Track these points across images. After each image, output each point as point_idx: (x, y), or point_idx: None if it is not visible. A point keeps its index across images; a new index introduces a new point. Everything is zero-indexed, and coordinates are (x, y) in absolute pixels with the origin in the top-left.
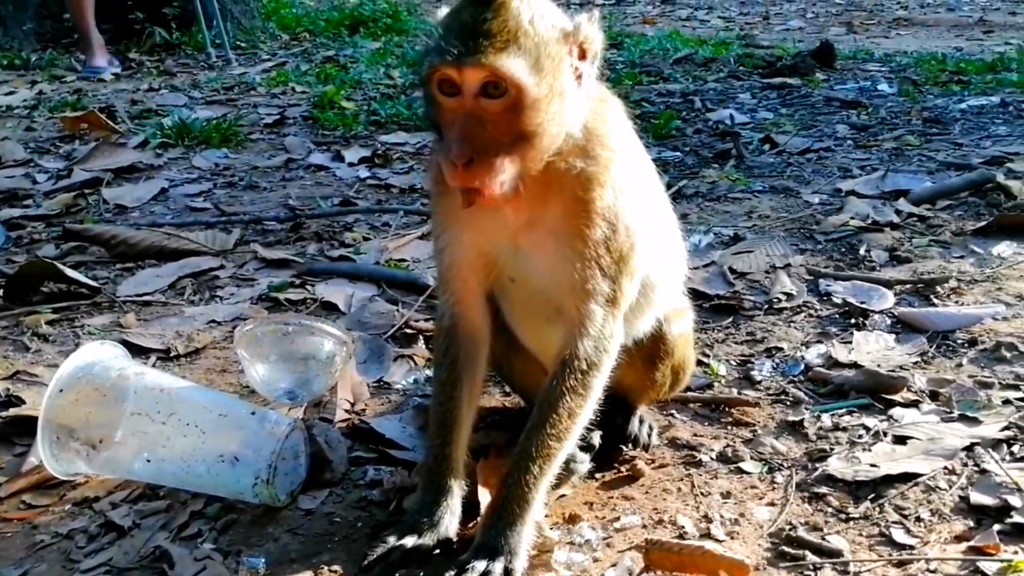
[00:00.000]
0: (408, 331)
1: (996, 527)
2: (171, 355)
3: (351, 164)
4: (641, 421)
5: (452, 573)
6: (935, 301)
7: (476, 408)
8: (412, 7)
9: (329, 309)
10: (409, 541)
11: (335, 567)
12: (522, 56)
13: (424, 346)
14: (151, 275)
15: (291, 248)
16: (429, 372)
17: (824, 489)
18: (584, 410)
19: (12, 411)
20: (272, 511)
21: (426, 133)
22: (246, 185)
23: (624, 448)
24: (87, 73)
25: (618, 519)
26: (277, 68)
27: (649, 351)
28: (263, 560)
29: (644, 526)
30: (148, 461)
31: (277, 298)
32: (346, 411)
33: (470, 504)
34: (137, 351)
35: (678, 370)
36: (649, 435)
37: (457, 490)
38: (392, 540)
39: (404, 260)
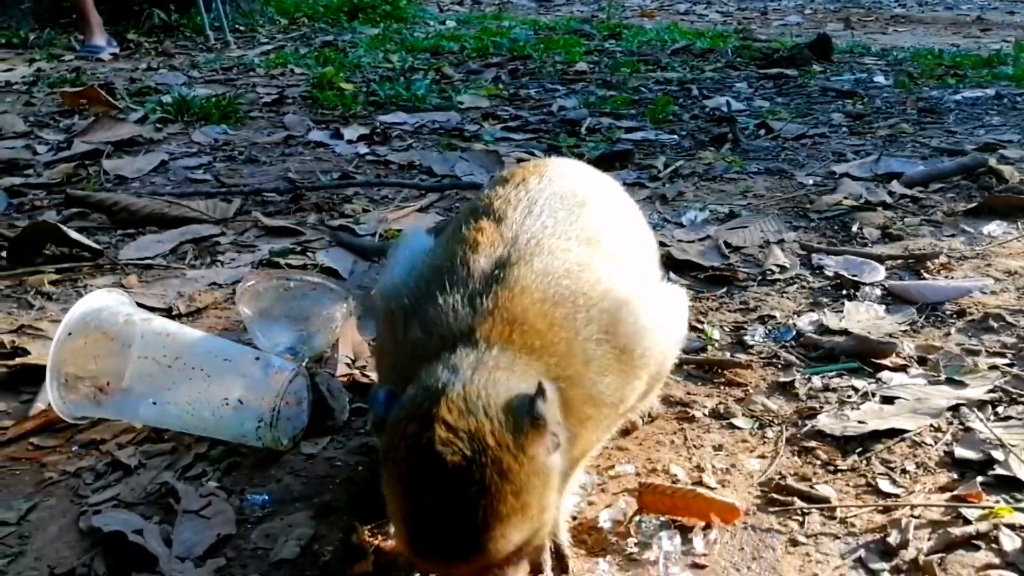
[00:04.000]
0: None
1: (979, 479)
2: (173, 314)
3: (350, 141)
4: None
5: None
6: (925, 275)
7: None
8: None
9: (329, 274)
10: None
11: (337, 506)
12: (509, 524)
13: None
14: (152, 240)
15: (291, 218)
16: None
17: (813, 443)
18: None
19: (18, 360)
20: (275, 455)
21: (424, 113)
22: (246, 159)
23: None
24: (85, 52)
25: (612, 467)
26: (276, 51)
27: None
28: (266, 498)
29: (638, 474)
30: (154, 404)
31: (278, 263)
32: (347, 366)
33: None
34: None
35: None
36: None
37: None
38: None
39: (403, 231)
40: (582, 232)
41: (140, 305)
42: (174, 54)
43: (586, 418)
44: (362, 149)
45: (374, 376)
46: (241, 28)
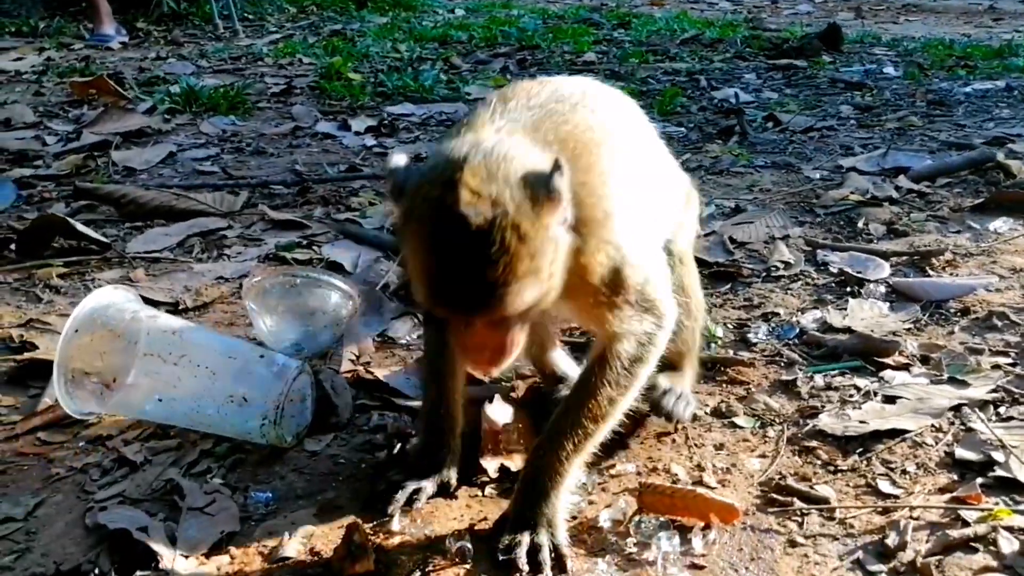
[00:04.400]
0: None
1: (979, 480)
2: (180, 308)
3: (357, 133)
4: (679, 397)
5: (503, 547)
6: (930, 272)
7: None
8: None
9: (335, 269)
10: (411, 482)
11: (339, 503)
12: (524, 282)
13: None
14: (160, 233)
15: (298, 211)
16: None
17: (814, 443)
18: (626, 398)
19: (26, 355)
20: (279, 452)
21: (432, 104)
22: (253, 151)
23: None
24: (95, 41)
25: (613, 466)
26: (284, 40)
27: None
28: (270, 495)
29: (638, 473)
30: (160, 401)
31: (284, 257)
32: (351, 362)
33: (472, 449)
34: (147, 304)
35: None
36: (685, 408)
37: (460, 434)
38: (396, 479)
39: None
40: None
41: (147, 300)
42: (183, 43)
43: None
44: (369, 141)
45: (379, 373)
46: (250, 16)
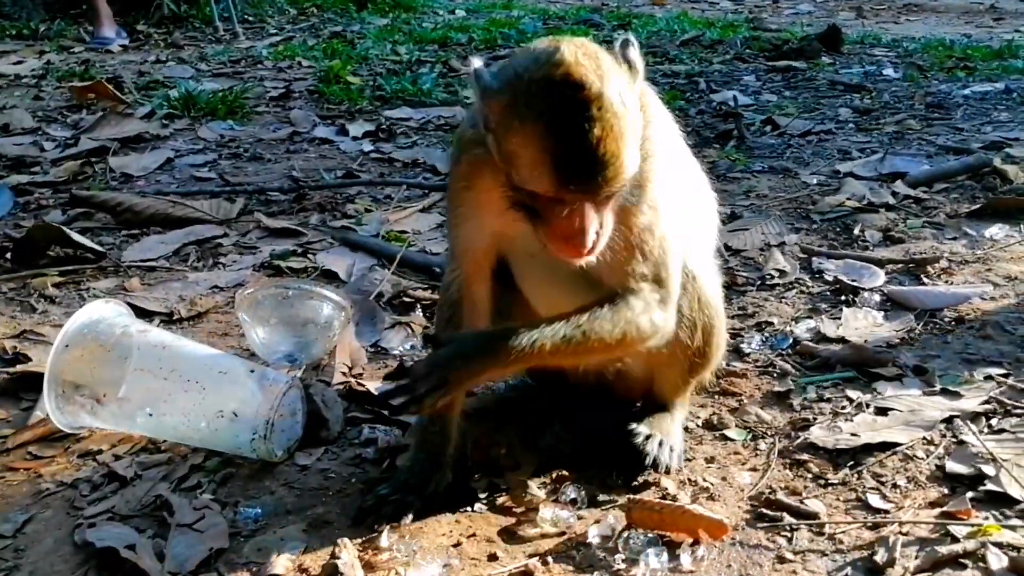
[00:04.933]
0: (406, 299)
1: (969, 494)
2: (174, 318)
3: (355, 138)
4: (661, 444)
5: None
6: (925, 281)
7: None
8: None
9: (330, 277)
10: (399, 498)
11: (329, 518)
12: (631, 150)
13: (422, 314)
14: (156, 242)
15: (294, 219)
16: None
17: (805, 456)
18: (607, 343)
19: (19, 367)
20: (269, 466)
21: (430, 108)
22: (251, 157)
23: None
24: (95, 44)
25: (603, 480)
26: (284, 42)
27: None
28: (259, 511)
29: (625, 488)
30: (150, 415)
31: (279, 266)
32: (343, 374)
33: (461, 465)
34: (141, 313)
35: (709, 333)
36: (671, 455)
37: (451, 450)
38: (385, 494)
39: (405, 232)
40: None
41: (141, 310)
42: (183, 45)
43: None
44: (367, 146)
45: (371, 384)
46: (250, 18)
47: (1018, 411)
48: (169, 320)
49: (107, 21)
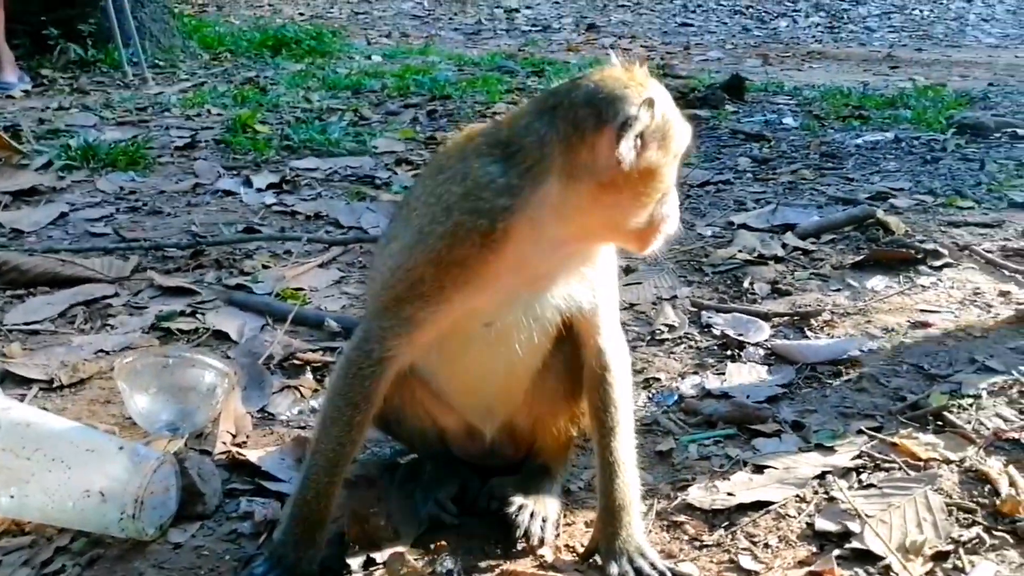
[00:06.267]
0: (296, 362)
1: (836, 552)
2: (54, 386)
3: (259, 190)
4: (532, 515)
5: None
6: (808, 334)
7: None
8: (335, 31)
9: (221, 338)
10: (275, 574)
11: None
12: None
13: (312, 377)
14: (42, 303)
15: (190, 276)
16: (315, 403)
17: (683, 518)
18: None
19: None
20: (140, 545)
21: (338, 159)
22: (150, 210)
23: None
24: None
25: (483, 548)
26: (195, 88)
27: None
28: None
29: (504, 556)
30: (12, 498)
31: (169, 328)
32: (225, 443)
33: (338, 539)
34: (19, 381)
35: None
36: (543, 527)
37: (327, 524)
38: (256, 572)
39: (302, 288)
40: None
41: (19, 378)
42: (89, 91)
43: None
44: (269, 199)
45: (253, 454)
46: (161, 64)
47: (887, 465)
48: (49, 388)
49: (8, 65)
